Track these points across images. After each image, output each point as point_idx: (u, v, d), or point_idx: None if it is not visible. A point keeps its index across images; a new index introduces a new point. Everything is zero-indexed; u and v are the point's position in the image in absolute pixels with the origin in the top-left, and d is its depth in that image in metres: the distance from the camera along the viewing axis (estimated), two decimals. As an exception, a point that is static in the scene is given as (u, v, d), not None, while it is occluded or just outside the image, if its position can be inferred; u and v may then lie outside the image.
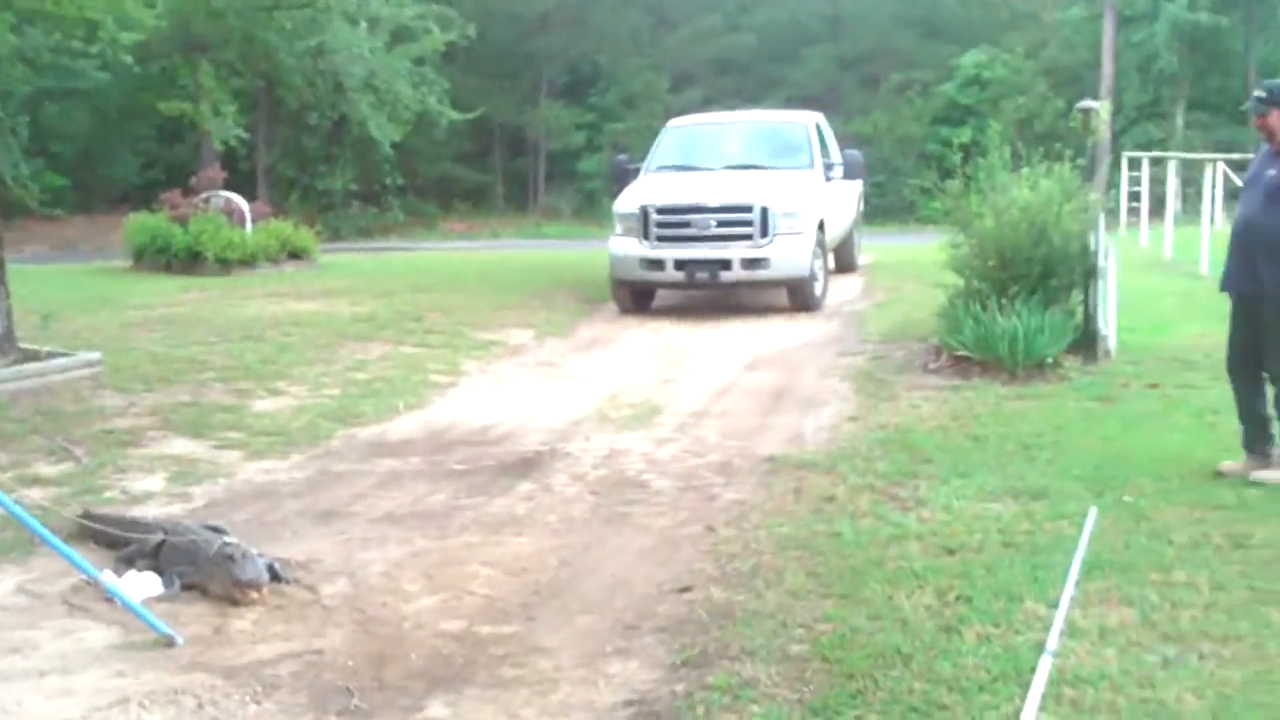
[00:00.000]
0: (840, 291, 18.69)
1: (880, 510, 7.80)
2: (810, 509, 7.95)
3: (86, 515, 7.93)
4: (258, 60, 32.14)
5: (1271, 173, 8.26)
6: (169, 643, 5.92)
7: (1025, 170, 13.18)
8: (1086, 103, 15.56)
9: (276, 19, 26.55)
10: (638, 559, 7.19)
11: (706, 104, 33.83)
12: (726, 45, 46.98)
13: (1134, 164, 26.04)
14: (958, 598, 6.19)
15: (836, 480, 8.56)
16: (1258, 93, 8.44)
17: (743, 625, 5.96)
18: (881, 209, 36.19)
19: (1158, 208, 23.75)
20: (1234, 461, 8.48)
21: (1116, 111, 40.64)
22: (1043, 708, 4.94)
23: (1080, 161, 13.81)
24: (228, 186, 26.36)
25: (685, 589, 6.56)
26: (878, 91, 46.73)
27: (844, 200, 19.62)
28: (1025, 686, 5.10)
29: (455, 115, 36.84)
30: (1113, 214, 25.33)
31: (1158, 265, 19.99)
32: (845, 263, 20.93)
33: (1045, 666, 5.24)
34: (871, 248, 24.06)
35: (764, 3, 47.57)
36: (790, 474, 8.84)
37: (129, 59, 19.87)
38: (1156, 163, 25.14)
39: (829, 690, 5.21)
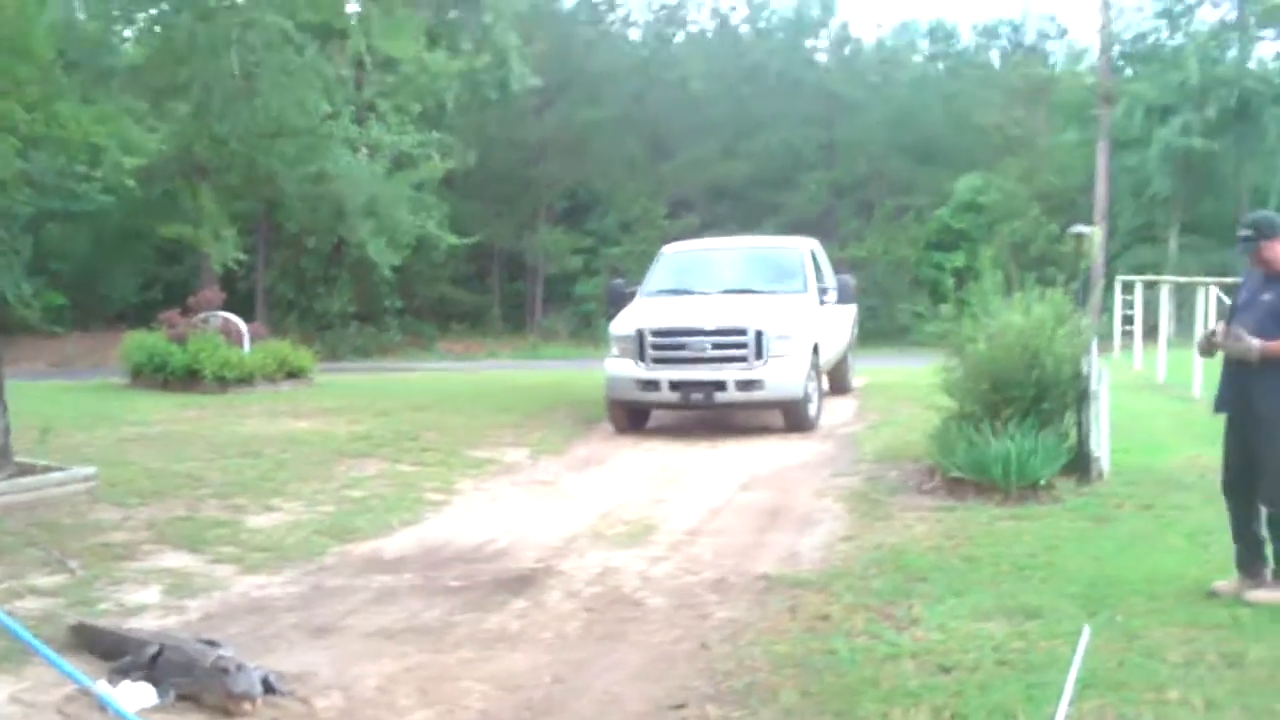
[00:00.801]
0: (835, 413, 18.73)
1: (875, 629, 7.80)
2: (805, 627, 7.95)
3: (81, 627, 7.93)
4: (259, 185, 32.44)
5: (1267, 297, 8.35)
6: (162, 756, 5.91)
7: (1018, 295, 13.28)
8: (1079, 227, 15.69)
9: (278, 145, 26.80)
10: (632, 676, 7.18)
11: (703, 229, 34.19)
12: (722, 172, 47.64)
13: (1128, 287, 26.21)
14: (953, 716, 6.21)
15: (831, 599, 8.56)
16: (1243, 233, 8.50)
17: (738, 743, 5.96)
18: (876, 332, 36.36)
19: (1152, 331, 23.89)
20: (1227, 581, 8.50)
21: (1111, 235, 41.00)
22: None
23: (1073, 286, 13.90)
24: (226, 307, 26.57)
25: (679, 706, 6.56)
26: (872, 217, 47.26)
27: (838, 324, 19.80)
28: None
29: (453, 240, 37.18)
30: (1106, 337, 25.54)
31: (1151, 387, 20.10)
32: (840, 384, 21.08)
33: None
34: (866, 370, 24.17)
35: (760, 130, 48.16)
36: (785, 592, 8.84)
37: (131, 182, 20.04)
38: (1150, 286, 25.31)
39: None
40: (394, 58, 30.24)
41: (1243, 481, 8.54)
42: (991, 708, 6.29)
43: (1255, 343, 8.23)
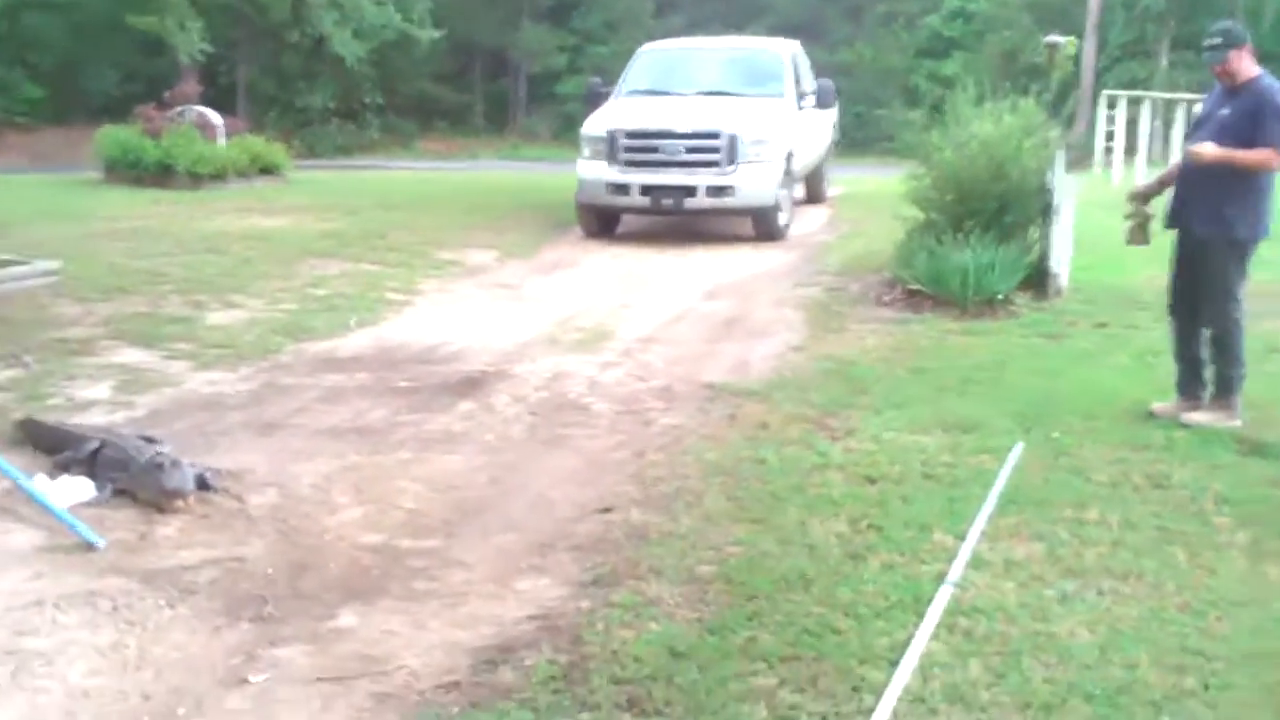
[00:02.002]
0: (806, 222, 18.71)
1: (809, 439, 7.90)
2: (741, 435, 8.05)
3: (27, 421, 8.02)
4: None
5: (1225, 112, 8.31)
6: (91, 547, 6.02)
7: (988, 105, 13.21)
8: (1053, 38, 15.51)
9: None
10: (565, 480, 7.30)
11: (690, 29, 33.70)
12: (710, -30, 46.91)
13: (1112, 102, 25.99)
14: (869, 526, 6.32)
15: (772, 408, 8.66)
16: (1210, 41, 8.39)
17: (655, 546, 6.09)
18: (861, 141, 36.13)
19: (1136, 148, 23.73)
20: (1165, 403, 8.58)
21: (1101, 49, 40.60)
22: (935, 636, 5.07)
23: (1045, 97, 13.82)
24: (206, 102, 26.24)
25: (606, 510, 6.69)
26: (862, 22, 46.68)
27: (816, 130, 19.63)
28: (922, 615, 5.24)
29: (427, 34, 36.74)
30: (1086, 151, 25.41)
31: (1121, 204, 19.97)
32: (814, 193, 20.95)
33: (944, 596, 5.37)
34: (847, 179, 24.03)
35: (749, -71, 47.41)
36: (728, 401, 8.93)
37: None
38: (1136, 102, 25.10)
39: (727, 610, 5.34)
40: None
41: (1185, 302, 8.59)
42: (909, 519, 6.40)
43: (1210, 146, 8.17)
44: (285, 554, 6.08)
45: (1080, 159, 27.98)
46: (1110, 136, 25.37)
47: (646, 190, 16.70)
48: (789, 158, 17.19)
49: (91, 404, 8.81)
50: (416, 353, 10.61)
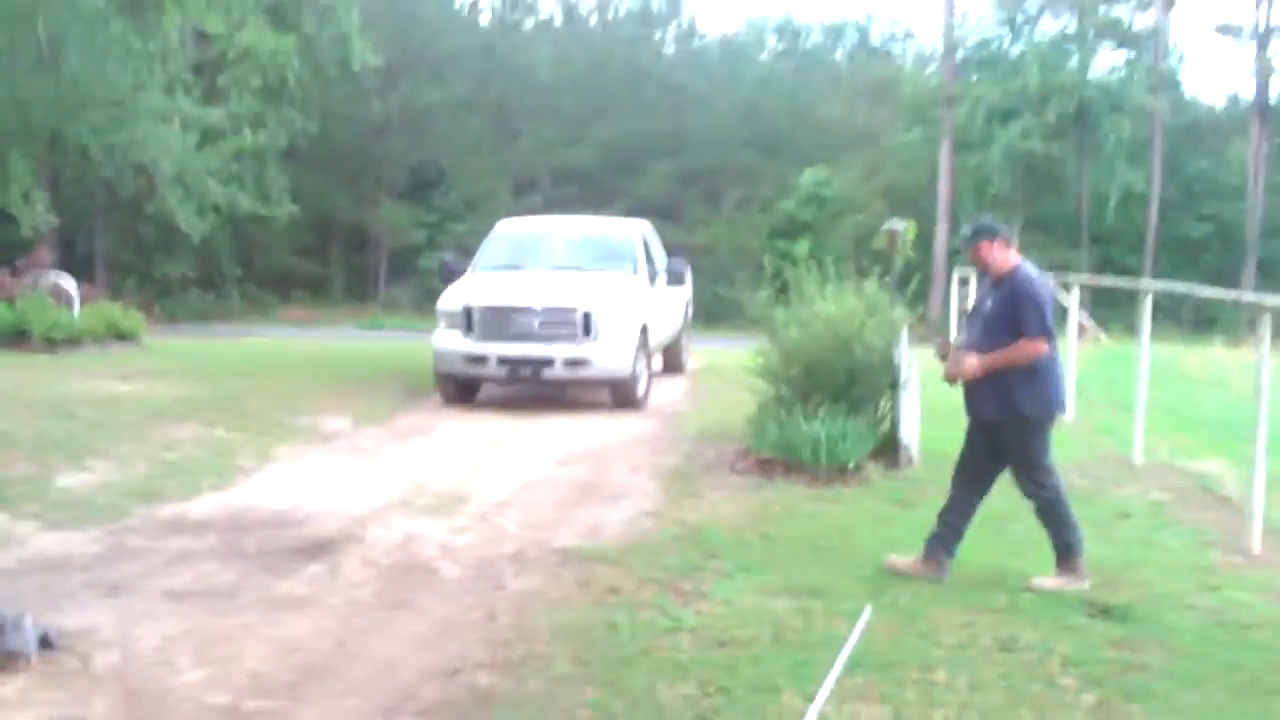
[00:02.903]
0: (665, 392, 18.89)
1: (661, 602, 7.93)
2: (593, 599, 8.06)
3: None
4: (67, 153, 31.90)
5: (988, 305, 8.75)
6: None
7: (829, 286, 13.51)
8: (892, 224, 15.96)
9: (84, 115, 26.43)
10: (414, 643, 7.25)
11: (549, 208, 34.20)
12: (569, 156, 48.12)
13: (964, 281, 26.57)
14: (718, 689, 6.34)
15: (624, 573, 8.68)
16: (963, 232, 9.04)
17: (502, 710, 6.07)
18: (720, 315, 36.48)
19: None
20: (905, 557, 8.91)
21: (953, 232, 41.65)
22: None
23: (887, 280, 14.15)
24: (63, 269, 26.13)
25: (454, 673, 6.65)
26: (719, 205, 47.76)
27: (669, 305, 19.94)
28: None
29: (281, 211, 37.07)
30: (941, 329, 25.90)
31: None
32: (673, 364, 21.26)
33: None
34: (706, 351, 24.32)
35: (607, 118, 48.83)
36: (580, 566, 8.94)
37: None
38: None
39: (572, 776, 5.32)
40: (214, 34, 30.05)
41: (964, 476, 9.04)
42: (758, 682, 6.44)
43: (971, 361, 8.61)
44: (128, 713, 5.99)
45: (937, 334, 28.59)
46: (963, 313, 25.89)
47: (504, 361, 16.82)
48: (644, 330, 17.42)
49: (-66, 566, 8.64)
50: (267, 517, 10.51)
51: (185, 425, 14.65)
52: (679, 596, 8.10)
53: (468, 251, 20.18)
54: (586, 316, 16.79)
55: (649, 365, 18.22)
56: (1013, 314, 8.51)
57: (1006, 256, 8.70)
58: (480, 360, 16.95)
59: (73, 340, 22.95)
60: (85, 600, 7.92)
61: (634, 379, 17.14)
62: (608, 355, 16.76)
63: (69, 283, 24.94)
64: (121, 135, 28.96)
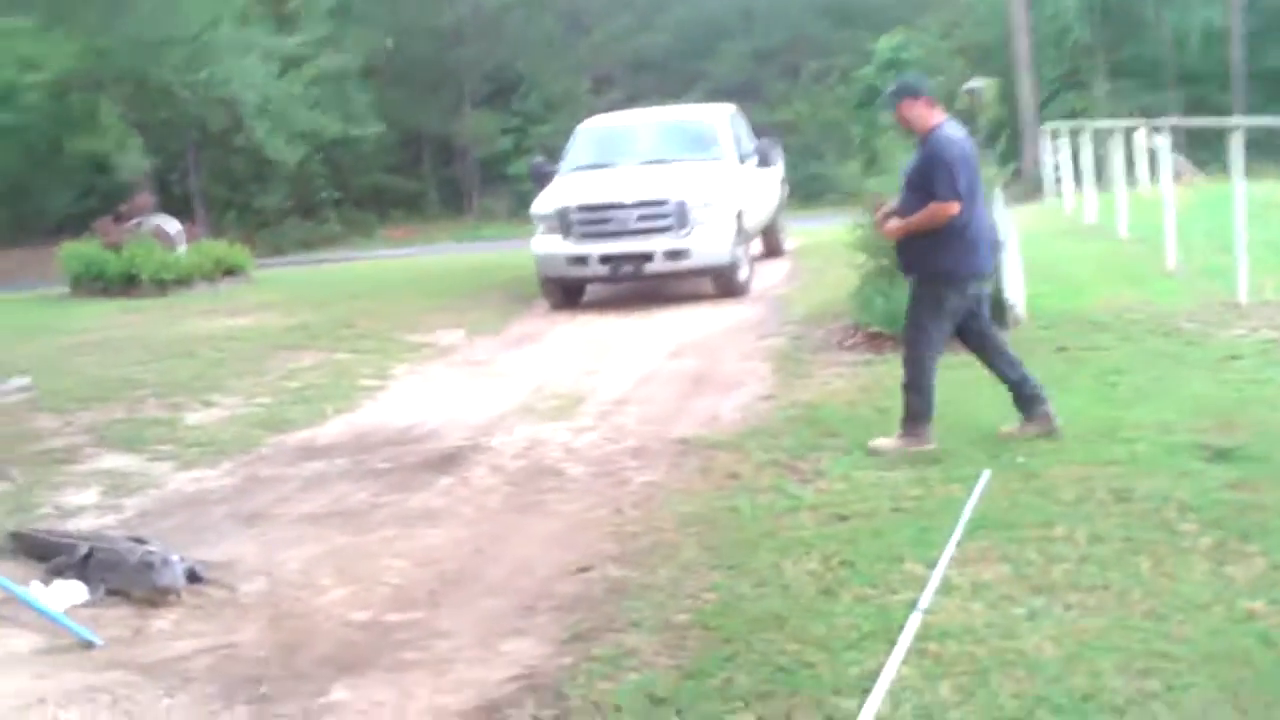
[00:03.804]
0: (767, 276, 18.92)
1: (781, 484, 8.08)
2: (714, 486, 8.23)
3: (18, 533, 8.18)
4: (155, 93, 32.23)
5: (911, 162, 8.80)
6: (89, 646, 6.19)
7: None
8: (972, 84, 15.82)
9: (165, 54, 26.68)
10: (545, 543, 7.48)
11: (629, 102, 34.13)
12: (642, 45, 47.78)
13: (1055, 134, 26.37)
14: (841, 562, 6.48)
15: (743, 458, 8.83)
16: (886, 89, 9.10)
17: (633, 599, 6.26)
18: (814, 193, 36.40)
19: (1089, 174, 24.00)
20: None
21: (1039, 84, 41.11)
22: (905, 662, 5.22)
23: (976, 138, 14.06)
24: (162, 211, 26.48)
25: (585, 568, 6.86)
26: (797, 80, 47.29)
27: (762, 187, 19.84)
28: (893, 643, 5.38)
29: (368, 131, 37.24)
30: (1037, 185, 25.77)
31: (1078, 231, 20.25)
32: (772, 247, 21.22)
33: (914, 623, 5.54)
34: (805, 231, 24.20)
35: (676, 1, 48.06)
36: (700, 454, 9.11)
37: (37, 97, 19.98)
38: (1077, 132, 25.45)
39: (704, 655, 5.51)
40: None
41: (970, 340, 9.19)
42: (880, 553, 6.57)
43: (891, 224, 8.81)
44: (277, 637, 6.26)
45: (1031, 191, 28.42)
46: (1057, 167, 25.74)
47: (605, 260, 16.96)
48: (739, 215, 17.43)
49: (80, 510, 8.98)
50: (393, 434, 10.78)
51: (303, 353, 14.98)
52: (798, 476, 8.24)
53: (555, 154, 20.22)
54: (681, 207, 16.82)
55: (748, 250, 18.26)
56: (922, 177, 8.52)
57: (927, 116, 8.63)
58: (581, 261, 17.11)
59: (182, 280, 23.30)
60: (226, 532, 8.22)
61: (734, 266, 17.19)
62: (706, 244, 16.82)
63: (172, 224, 25.29)
64: (203, 72, 29.34)
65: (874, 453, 8.56)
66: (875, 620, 5.68)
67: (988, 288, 9.31)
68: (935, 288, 8.68)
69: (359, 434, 10.94)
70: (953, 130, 8.66)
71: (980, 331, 9.02)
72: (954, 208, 8.37)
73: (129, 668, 5.95)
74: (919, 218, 8.49)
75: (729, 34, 47.94)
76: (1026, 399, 8.84)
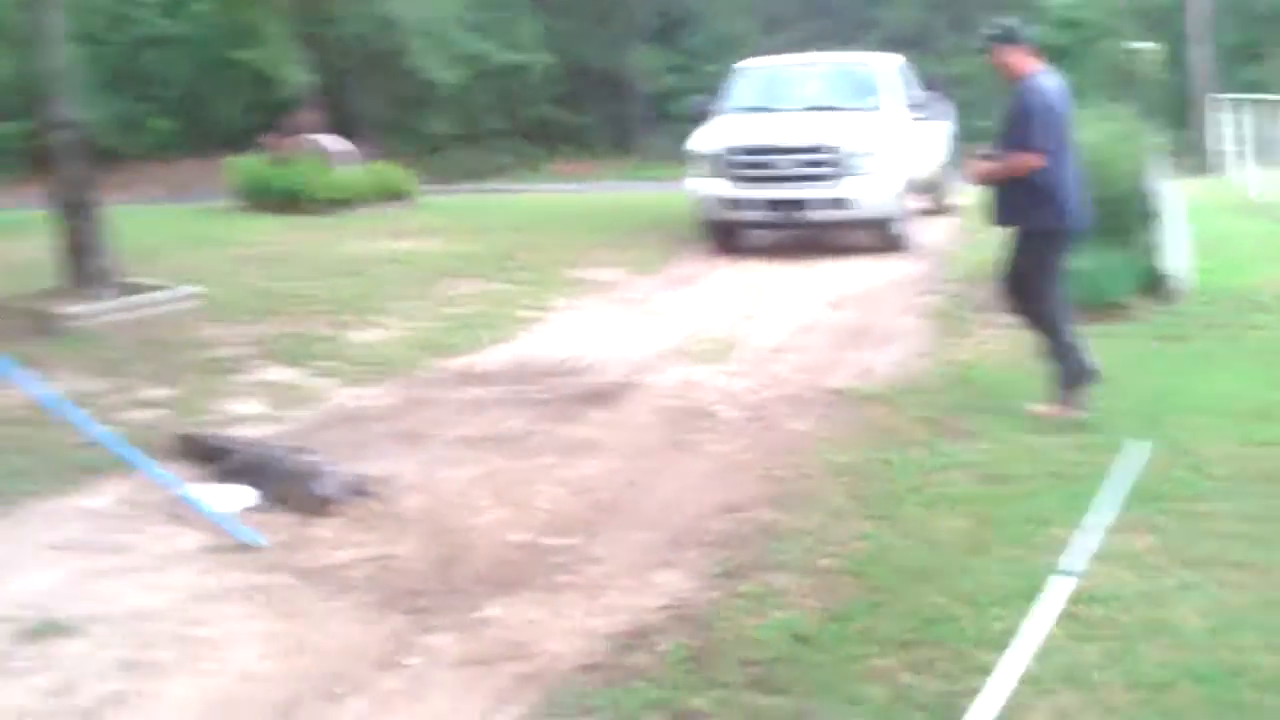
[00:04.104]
0: (931, 232, 18.74)
1: (933, 441, 8.12)
2: (867, 439, 8.30)
3: (186, 436, 8.47)
4: (314, 9, 32.45)
5: (1002, 112, 8.70)
6: (253, 547, 6.43)
7: (1088, 111, 13.31)
8: (1136, 46, 15.52)
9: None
10: (697, 482, 7.62)
11: (798, 46, 33.67)
12: (815, -14, 47.19)
13: (1224, 107, 25.86)
14: (989, 521, 6.54)
15: (897, 412, 8.91)
16: (985, 30, 8.88)
17: (782, 541, 6.38)
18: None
19: (1263, 151, 23.49)
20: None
21: (1212, 54, 40.25)
22: (1053, 623, 5.26)
23: (1135, 104, 13.87)
24: (328, 129, 26.82)
25: (735, 509, 6.98)
26: (970, 32, 46.59)
27: (929, 141, 19.62)
28: (1037, 603, 5.43)
29: (535, 60, 37.31)
30: (1203, 157, 25.32)
31: (1245, 207, 19.90)
32: (938, 203, 21.02)
33: (1060, 585, 5.56)
34: (971, 188, 24.01)
35: (853, -54, 47.66)
36: (853, 406, 9.19)
37: (205, 7, 20.27)
38: (1253, 104, 24.92)
39: (850, 600, 5.60)
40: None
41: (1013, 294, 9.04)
42: (1028, 514, 6.62)
43: (979, 166, 8.81)
44: (434, 552, 6.46)
45: (1202, 164, 27.91)
46: (1228, 140, 25.26)
47: (762, 204, 16.93)
48: (902, 168, 17.28)
49: (245, 419, 9.28)
50: (550, 366, 10.96)
51: (465, 281, 15.22)
52: (950, 434, 8.27)
53: (720, 94, 20.19)
54: (843, 155, 16.64)
55: (911, 205, 18.15)
56: (1011, 126, 8.46)
57: (1021, 64, 8.57)
58: (736, 204, 17.06)
59: (346, 201, 23.61)
60: (386, 449, 8.43)
61: (895, 219, 17.06)
62: (867, 195, 16.66)
63: (338, 143, 25.62)
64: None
65: (1030, 415, 8.55)
66: (1021, 580, 5.72)
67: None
68: (1032, 247, 8.66)
69: (517, 363, 11.14)
70: (1045, 81, 8.55)
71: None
72: (1035, 159, 8.32)
73: (290, 571, 6.19)
74: (1001, 165, 8.50)
75: (904, -20, 47.41)
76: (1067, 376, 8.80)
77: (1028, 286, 8.75)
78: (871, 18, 44.91)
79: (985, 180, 8.75)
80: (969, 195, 22.15)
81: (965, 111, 23.01)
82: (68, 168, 13.05)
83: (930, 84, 21.11)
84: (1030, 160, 8.31)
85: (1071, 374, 8.64)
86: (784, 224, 17.21)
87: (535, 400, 9.71)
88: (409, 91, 39.65)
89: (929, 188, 20.06)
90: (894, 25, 43.93)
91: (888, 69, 19.46)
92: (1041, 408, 8.63)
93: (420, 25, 33.95)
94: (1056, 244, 8.63)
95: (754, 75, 19.76)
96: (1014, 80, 8.57)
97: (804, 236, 17.86)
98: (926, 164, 19.38)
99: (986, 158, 8.73)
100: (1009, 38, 8.64)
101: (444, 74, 35.24)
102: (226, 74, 38.78)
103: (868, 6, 45.77)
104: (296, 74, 28.33)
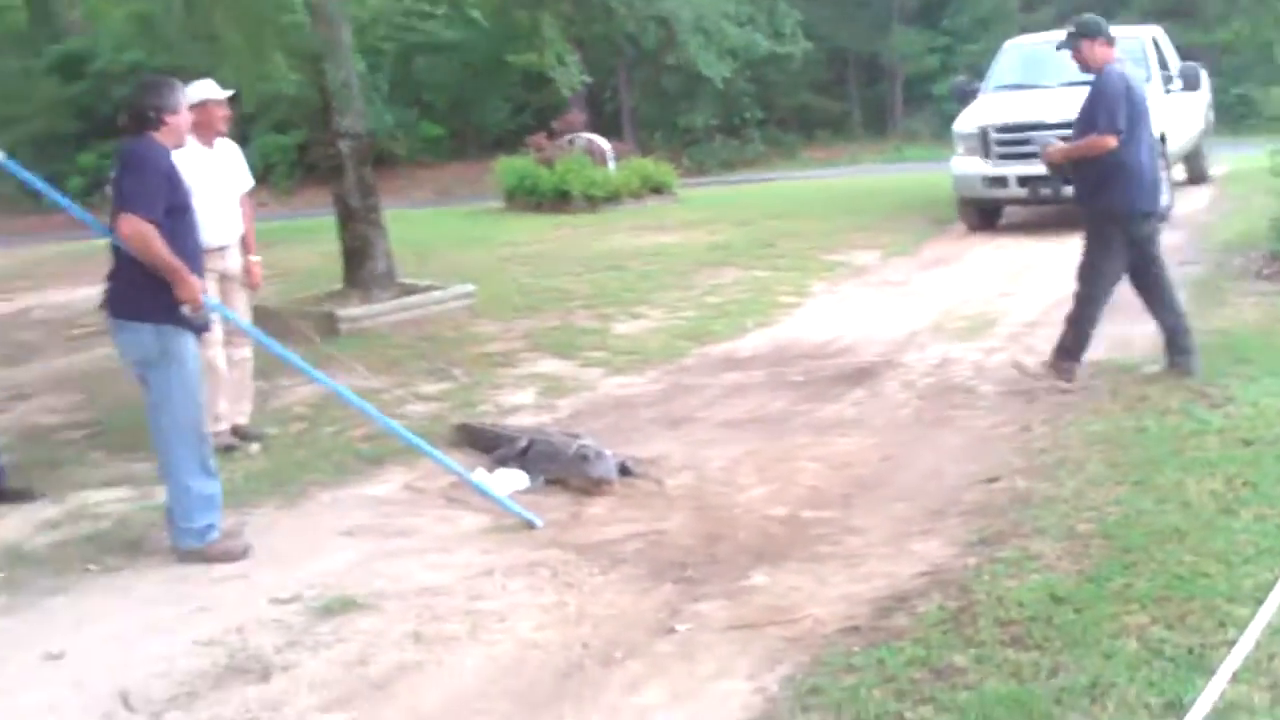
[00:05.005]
0: (1189, 202, 18.60)
1: (1189, 408, 8.18)
2: (1122, 408, 8.41)
3: (464, 426, 8.97)
4: (593, 9, 33.00)
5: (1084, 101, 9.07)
6: (530, 526, 6.87)
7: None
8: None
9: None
10: (953, 454, 7.84)
11: (1059, 21, 33.43)
12: (1076, -38, 46.31)
13: None
14: (1244, 484, 6.60)
15: (1152, 381, 8.99)
16: (1067, 30, 9.30)
17: (1038, 509, 6.55)
18: (1246, 118, 35.21)
19: None
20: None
21: None
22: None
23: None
24: (592, 128, 27.45)
25: (993, 479, 7.18)
26: (1234, 2, 45.45)
27: (1187, 112, 19.37)
28: (1291, 560, 5.56)
29: (796, 48, 37.41)
30: None
31: None
32: (1195, 174, 20.78)
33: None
34: (1233, 159, 23.62)
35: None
36: (1110, 376, 9.29)
37: (476, 14, 20.88)
38: None
39: (1105, 561, 5.76)
40: None
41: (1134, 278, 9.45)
42: (1281, 476, 6.70)
43: (1056, 146, 9.38)
44: (701, 527, 6.81)
45: None
46: None
47: (1023, 181, 16.85)
48: (1162, 139, 17.09)
49: (518, 408, 9.77)
50: (809, 349, 11.25)
51: (724, 270, 15.58)
52: (1206, 400, 8.32)
53: (981, 74, 20.17)
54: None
55: (1171, 176, 17.94)
56: (1092, 109, 8.83)
57: (1102, 55, 8.95)
58: (999, 182, 17.11)
59: (610, 197, 24.21)
60: (653, 433, 8.84)
61: (1158, 191, 16.88)
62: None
63: (602, 141, 26.21)
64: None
65: (1016, 367, 9.32)
66: (1274, 538, 5.82)
67: (1160, 228, 9.56)
68: (1101, 225, 9.04)
69: (777, 347, 11.45)
70: (1122, 69, 8.95)
71: (1149, 272, 9.27)
72: (1111, 141, 8.72)
73: (566, 547, 6.59)
74: (1078, 146, 8.98)
75: (1165, -49, 46.42)
76: (1178, 347, 9.12)
77: (1086, 262, 9.21)
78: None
79: (1062, 160, 9.24)
80: (1227, 165, 21.97)
81: (1229, 80, 22.61)
82: (352, 176, 13.68)
83: (1187, 55, 20.85)
84: (1106, 142, 8.76)
85: (1064, 348, 9.30)
86: (1043, 200, 17.16)
87: (794, 383, 10.01)
88: (673, 87, 40.12)
89: (1187, 158, 19.83)
90: (1152, -4, 43.00)
91: (1143, 40, 19.27)
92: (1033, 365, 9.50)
93: (696, 21, 34.40)
94: (1123, 223, 9.00)
95: (1017, 53, 19.75)
96: (1095, 70, 9.01)
97: (1061, 211, 17.76)
98: (1184, 134, 19.19)
99: (1065, 140, 9.27)
100: (1092, 32, 9.06)
101: (717, 68, 35.61)
102: (495, 78, 39.71)
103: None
104: (571, 75, 28.97)
